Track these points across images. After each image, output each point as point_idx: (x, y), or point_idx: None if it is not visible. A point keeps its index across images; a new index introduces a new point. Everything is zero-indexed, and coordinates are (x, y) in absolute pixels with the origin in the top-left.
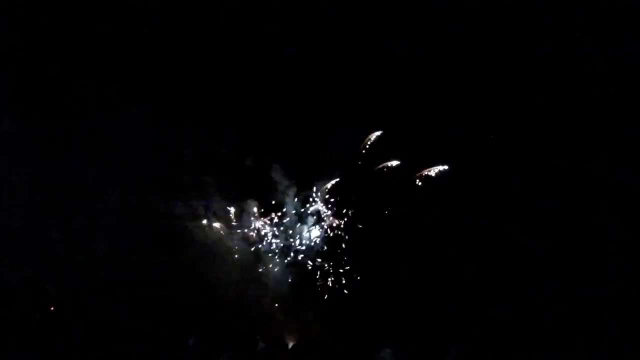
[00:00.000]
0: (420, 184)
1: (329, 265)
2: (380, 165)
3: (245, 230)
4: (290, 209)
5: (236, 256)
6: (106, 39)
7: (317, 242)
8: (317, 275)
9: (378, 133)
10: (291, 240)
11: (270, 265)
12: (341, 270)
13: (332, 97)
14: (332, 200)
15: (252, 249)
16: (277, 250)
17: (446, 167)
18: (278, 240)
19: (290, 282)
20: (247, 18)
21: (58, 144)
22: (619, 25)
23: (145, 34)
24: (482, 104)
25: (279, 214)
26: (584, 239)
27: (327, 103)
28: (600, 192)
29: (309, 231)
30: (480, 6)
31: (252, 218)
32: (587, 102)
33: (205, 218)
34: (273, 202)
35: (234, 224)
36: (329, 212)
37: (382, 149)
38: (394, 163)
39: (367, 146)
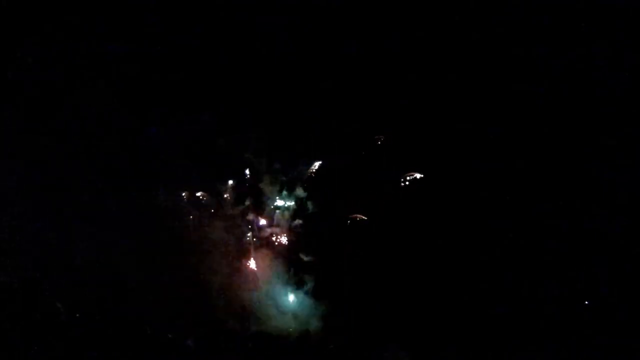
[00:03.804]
0: (418, 183)
1: (323, 260)
2: (378, 163)
3: (235, 224)
4: (281, 201)
5: (227, 252)
6: (104, 38)
7: (307, 235)
8: (313, 271)
9: (377, 131)
10: (281, 232)
11: (263, 261)
12: (337, 266)
13: (332, 96)
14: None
15: (242, 242)
16: (268, 243)
17: (445, 167)
18: (267, 233)
19: (283, 278)
20: (246, 18)
21: (55, 146)
22: (618, 25)
23: (145, 33)
24: (481, 104)
25: (268, 205)
26: (583, 239)
27: (326, 102)
28: (600, 192)
29: (300, 223)
30: (480, 6)
31: (240, 211)
32: (587, 102)
33: (196, 214)
34: (264, 198)
35: (224, 217)
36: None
37: (380, 147)
38: (392, 161)
39: (365, 144)
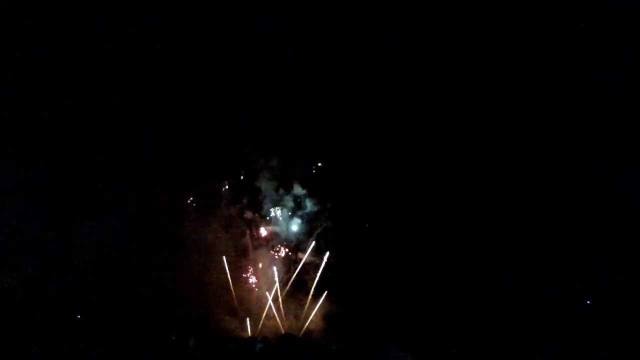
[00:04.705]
0: (419, 182)
1: (322, 260)
2: (378, 163)
3: (233, 223)
4: (279, 200)
5: (226, 252)
6: (104, 38)
7: (308, 235)
8: (311, 271)
9: (377, 131)
10: (282, 232)
11: (263, 261)
12: (336, 266)
13: (332, 96)
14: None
15: (241, 242)
16: (268, 244)
17: (445, 166)
18: (266, 232)
19: (284, 277)
20: (246, 18)
21: (55, 146)
22: (618, 25)
23: (145, 33)
24: (481, 104)
25: (266, 205)
26: (582, 239)
27: (326, 102)
28: (600, 192)
29: (299, 223)
30: (480, 6)
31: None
32: (587, 102)
33: (195, 213)
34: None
35: (222, 217)
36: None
37: (380, 148)
38: (392, 161)
39: (365, 144)
